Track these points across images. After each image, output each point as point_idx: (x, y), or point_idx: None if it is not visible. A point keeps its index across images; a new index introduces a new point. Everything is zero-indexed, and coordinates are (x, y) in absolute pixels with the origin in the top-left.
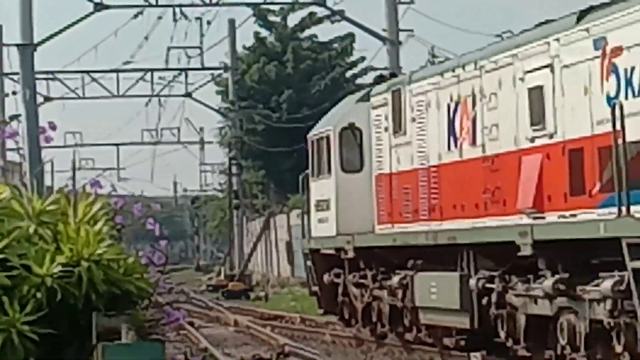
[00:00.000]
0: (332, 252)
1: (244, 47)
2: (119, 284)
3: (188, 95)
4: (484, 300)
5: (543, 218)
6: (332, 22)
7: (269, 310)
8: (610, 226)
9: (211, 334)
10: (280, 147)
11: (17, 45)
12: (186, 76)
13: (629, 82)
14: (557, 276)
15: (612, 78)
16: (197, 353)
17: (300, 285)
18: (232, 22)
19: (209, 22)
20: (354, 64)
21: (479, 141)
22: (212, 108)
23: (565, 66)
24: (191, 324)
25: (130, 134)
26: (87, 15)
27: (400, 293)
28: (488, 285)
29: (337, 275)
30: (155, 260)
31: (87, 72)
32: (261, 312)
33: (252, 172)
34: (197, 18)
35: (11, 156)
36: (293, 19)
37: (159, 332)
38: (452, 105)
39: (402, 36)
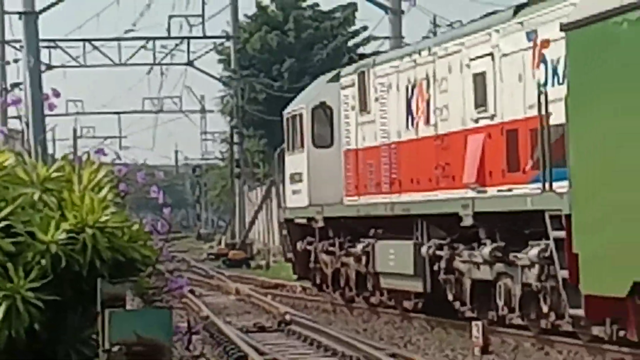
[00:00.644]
0: (304, 221)
1: (246, 16)
2: (123, 251)
3: (190, 63)
4: (435, 266)
5: (485, 192)
6: None
7: (269, 279)
8: (536, 200)
9: (212, 302)
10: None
11: (19, 13)
12: (188, 45)
13: (554, 71)
14: (494, 244)
15: (542, 67)
16: (198, 321)
17: None
18: None
19: None
20: (355, 33)
21: (432, 121)
22: (213, 77)
23: (504, 55)
24: (192, 292)
25: (131, 103)
26: None
27: (363, 260)
28: (438, 253)
29: (310, 243)
30: (158, 228)
31: (89, 40)
32: (262, 281)
33: (253, 141)
34: None
35: (12, 124)
36: None
37: (162, 299)
38: (410, 88)
39: (404, 5)
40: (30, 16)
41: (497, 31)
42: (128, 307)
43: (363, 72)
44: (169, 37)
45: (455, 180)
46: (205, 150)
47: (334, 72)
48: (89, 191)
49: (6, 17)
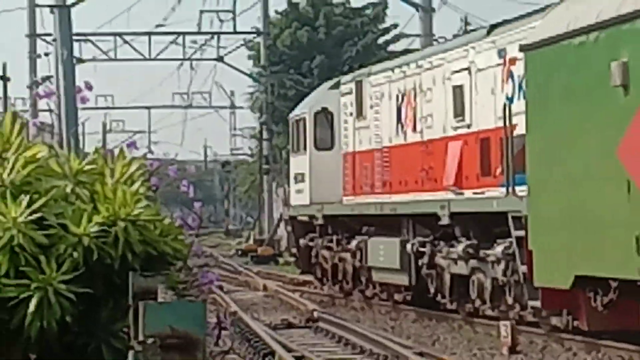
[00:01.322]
0: (306, 219)
1: (277, 12)
2: (154, 244)
3: (220, 59)
4: (419, 262)
5: (462, 194)
6: None
7: (297, 275)
8: (500, 202)
9: (240, 298)
10: None
11: (51, 6)
12: (218, 40)
13: (520, 87)
14: (468, 242)
15: (510, 82)
16: (227, 317)
17: None
18: None
19: None
20: (386, 31)
21: (418, 128)
22: (243, 72)
23: (479, 70)
24: (220, 287)
25: (161, 97)
26: None
27: (358, 255)
28: (421, 249)
29: (311, 240)
30: (189, 223)
31: (120, 34)
32: (290, 278)
33: (282, 137)
34: None
35: (42, 117)
36: None
37: (192, 293)
38: (400, 97)
39: (435, 3)
40: (63, 9)
41: (474, 48)
42: (160, 300)
43: (360, 81)
44: (199, 33)
45: (437, 182)
46: (234, 146)
47: (335, 80)
48: (121, 184)
49: (37, 10)
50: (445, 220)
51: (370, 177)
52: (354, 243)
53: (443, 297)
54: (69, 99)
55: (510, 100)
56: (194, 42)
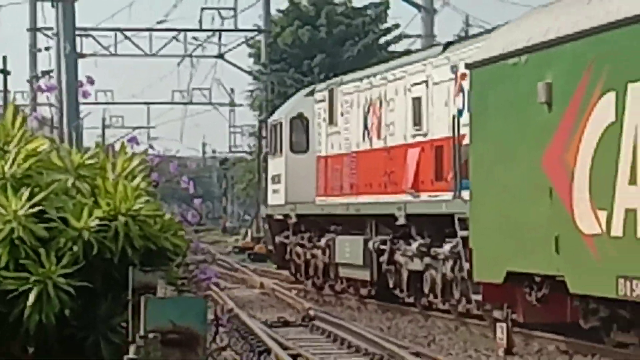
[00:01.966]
0: (282, 217)
1: (278, 10)
2: (154, 239)
3: (220, 56)
4: (380, 259)
5: (418, 197)
6: None
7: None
8: (448, 205)
9: (237, 295)
10: None
11: (53, 0)
12: (219, 37)
13: (468, 101)
14: (421, 241)
15: (460, 96)
16: (224, 313)
17: None
18: None
19: None
20: (387, 31)
21: (382, 135)
22: (244, 70)
23: (435, 83)
24: (217, 285)
25: (161, 94)
26: None
27: (327, 252)
28: (382, 247)
29: (286, 237)
30: (189, 219)
31: (121, 30)
32: (287, 276)
33: None
34: None
35: (41, 111)
36: None
37: (191, 289)
38: (367, 106)
39: (437, 4)
40: (67, 3)
41: (431, 63)
42: (159, 295)
43: (332, 90)
44: (200, 30)
45: (398, 186)
46: (233, 144)
47: (310, 88)
48: (122, 179)
49: (38, 4)
50: (401, 221)
51: (339, 179)
52: (323, 241)
53: (401, 291)
54: (71, 93)
55: (460, 112)
56: (195, 38)
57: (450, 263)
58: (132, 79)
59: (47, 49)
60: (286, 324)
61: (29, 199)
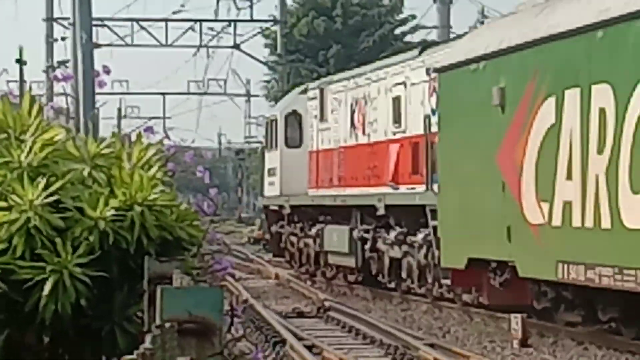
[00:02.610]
0: (277, 208)
1: (294, 1)
2: (170, 229)
3: (236, 47)
4: (364, 247)
5: (398, 189)
6: None
7: None
8: (420, 197)
9: (252, 286)
10: None
11: None
12: (235, 28)
13: (437, 102)
14: (398, 230)
15: (434, 96)
16: (239, 304)
17: None
18: None
19: None
20: (403, 22)
21: (366, 131)
22: (259, 61)
23: (412, 84)
24: (232, 275)
25: (176, 84)
26: None
27: (317, 240)
28: (365, 236)
29: (281, 227)
30: (204, 209)
31: (137, 20)
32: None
33: None
34: None
35: (57, 100)
36: None
37: (206, 280)
38: (354, 104)
39: None
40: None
41: (409, 65)
42: (175, 285)
43: (323, 88)
44: (216, 20)
45: (380, 179)
46: (248, 134)
47: (303, 86)
48: (138, 169)
49: None
50: (381, 211)
51: (329, 172)
52: (314, 230)
53: (383, 277)
54: (87, 83)
55: (433, 112)
56: (211, 29)
57: (423, 250)
58: (148, 70)
59: (63, 38)
60: (301, 314)
61: (45, 188)
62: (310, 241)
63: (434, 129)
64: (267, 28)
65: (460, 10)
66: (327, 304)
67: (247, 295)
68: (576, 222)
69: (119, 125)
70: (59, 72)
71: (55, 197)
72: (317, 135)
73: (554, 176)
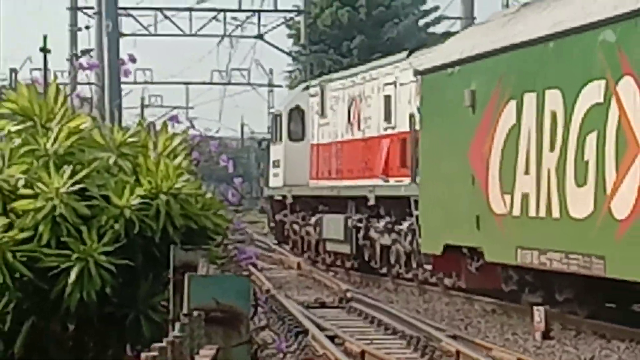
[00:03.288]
0: (280, 198)
1: None
2: (195, 218)
3: (260, 37)
4: (358, 235)
5: (388, 181)
6: None
7: None
8: (405, 189)
9: (274, 276)
10: None
11: None
12: (259, 18)
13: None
14: (387, 219)
15: (419, 96)
16: (262, 294)
17: None
18: None
19: None
20: (427, 13)
21: (361, 127)
22: (283, 51)
23: (401, 84)
24: (254, 265)
25: (200, 74)
26: None
27: (317, 229)
28: (358, 224)
29: (285, 215)
30: (229, 198)
31: (160, 9)
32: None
33: None
34: None
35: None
36: None
37: (231, 269)
38: (350, 101)
39: None
40: None
41: (398, 67)
42: (200, 274)
43: (323, 86)
44: (240, 10)
45: (373, 171)
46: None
47: (306, 83)
48: (164, 158)
49: None
50: (372, 202)
51: (328, 165)
52: (313, 219)
53: (375, 262)
54: (113, 72)
55: (419, 110)
56: (235, 19)
57: (409, 238)
58: (171, 59)
59: (87, 27)
60: (323, 305)
61: (71, 176)
62: (310, 229)
63: (419, 126)
64: (291, 18)
65: (485, 0)
66: (349, 294)
67: (270, 285)
68: (532, 212)
69: (142, 114)
70: (84, 60)
71: (81, 185)
72: (318, 130)
73: (515, 171)
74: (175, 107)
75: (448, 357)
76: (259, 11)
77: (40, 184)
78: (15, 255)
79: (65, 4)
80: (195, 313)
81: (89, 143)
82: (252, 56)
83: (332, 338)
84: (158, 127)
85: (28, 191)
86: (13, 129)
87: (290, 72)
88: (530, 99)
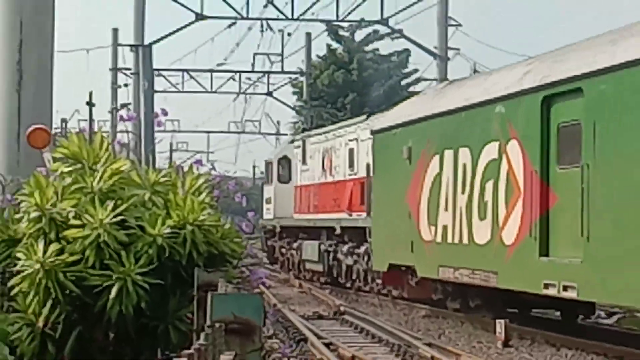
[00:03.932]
0: (272, 227)
1: (318, 56)
2: (216, 245)
3: (269, 94)
4: (329, 256)
5: (351, 215)
6: (392, 39)
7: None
8: (362, 221)
9: (279, 293)
10: None
11: (132, 45)
12: (268, 78)
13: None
14: (349, 244)
15: (373, 150)
16: (270, 308)
17: None
18: (308, 35)
19: (289, 34)
20: (408, 74)
21: (332, 173)
22: (288, 106)
23: (362, 140)
24: (264, 284)
25: (219, 124)
26: (190, 23)
27: (298, 252)
28: (329, 249)
29: (275, 241)
30: (244, 228)
31: (187, 70)
32: (319, 277)
33: None
34: (280, 30)
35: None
36: (359, 35)
37: (245, 287)
38: (325, 152)
39: (450, 53)
40: (146, 47)
41: (359, 126)
42: (220, 292)
43: (304, 140)
44: (252, 71)
45: (340, 208)
46: None
47: (292, 137)
48: (190, 194)
49: (119, 49)
50: (338, 231)
51: (307, 202)
52: (295, 244)
53: (342, 278)
54: (148, 123)
55: (373, 160)
56: (248, 79)
57: (365, 259)
58: (195, 111)
59: (125, 85)
60: (320, 317)
61: (113, 209)
62: (294, 252)
63: (373, 173)
64: (295, 78)
65: (457, 65)
66: (342, 308)
67: (275, 300)
68: (449, 239)
69: (170, 158)
70: (124, 113)
71: (121, 217)
72: (300, 175)
73: (437, 208)
74: (198, 152)
75: None
76: (269, 72)
77: (87, 216)
78: (66, 275)
79: (108, 65)
80: (216, 325)
81: (128, 182)
82: (262, 110)
83: (327, 345)
84: (185, 169)
85: (77, 222)
86: (65, 170)
87: (294, 123)
88: (449, 154)
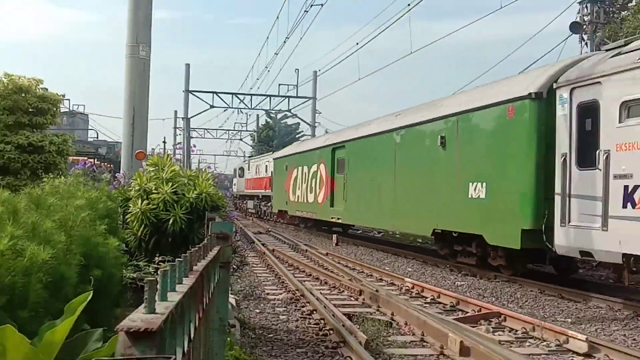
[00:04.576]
0: (237, 195)
1: (261, 124)
2: (216, 201)
3: (241, 139)
4: (258, 207)
5: (265, 191)
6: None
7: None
8: (269, 193)
9: (241, 222)
10: None
11: (182, 118)
12: (241, 134)
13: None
14: (265, 202)
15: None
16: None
17: None
18: (257, 116)
19: (249, 114)
20: (298, 133)
21: (259, 174)
22: (249, 145)
23: (270, 161)
24: (235, 218)
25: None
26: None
27: (246, 205)
28: (257, 203)
29: (237, 200)
30: (227, 195)
31: (207, 130)
32: (267, 221)
33: None
34: (245, 112)
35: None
36: (280, 115)
37: (226, 219)
38: (257, 166)
39: (317, 124)
40: (187, 120)
41: (271, 156)
42: (217, 221)
43: (249, 160)
44: (235, 130)
45: (262, 188)
46: None
47: (246, 159)
48: (205, 180)
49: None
50: (260, 197)
51: (250, 185)
52: (245, 202)
53: (263, 216)
54: (187, 150)
55: (274, 170)
56: (232, 132)
57: (270, 208)
58: (206, 145)
59: (178, 135)
60: (260, 233)
61: (171, 186)
62: (244, 205)
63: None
64: (253, 132)
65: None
66: (269, 229)
67: (241, 225)
68: (300, 200)
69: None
70: (178, 146)
71: (174, 189)
72: (247, 174)
73: (295, 189)
74: (211, 163)
75: (303, 251)
76: (241, 131)
77: (159, 189)
78: (150, 214)
79: (172, 125)
80: (213, 234)
81: (178, 174)
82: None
83: (263, 244)
84: (202, 170)
85: (155, 192)
86: (151, 169)
87: (251, 153)
88: (300, 168)
